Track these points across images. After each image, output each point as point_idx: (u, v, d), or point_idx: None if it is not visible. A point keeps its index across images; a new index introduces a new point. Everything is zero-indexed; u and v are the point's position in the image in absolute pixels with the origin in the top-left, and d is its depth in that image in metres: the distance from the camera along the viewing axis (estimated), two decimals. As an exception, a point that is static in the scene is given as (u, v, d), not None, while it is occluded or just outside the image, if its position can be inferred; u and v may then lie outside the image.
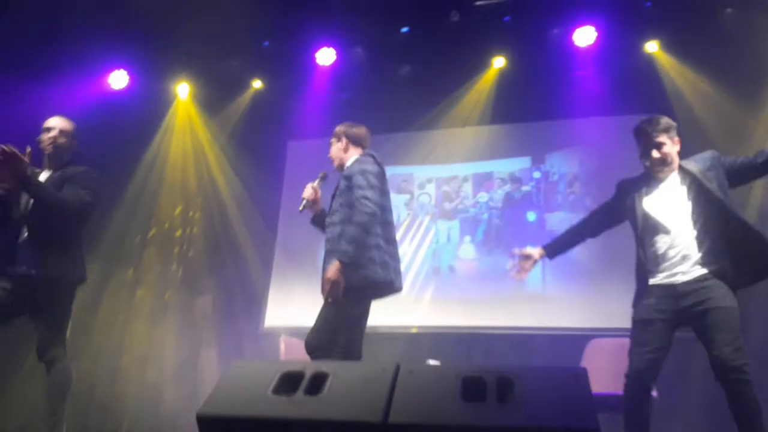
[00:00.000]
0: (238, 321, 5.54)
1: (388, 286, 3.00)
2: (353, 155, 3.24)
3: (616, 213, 3.08)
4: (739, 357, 2.57)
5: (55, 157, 3.25)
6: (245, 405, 1.78)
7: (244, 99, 6.03)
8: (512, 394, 1.80)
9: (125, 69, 5.76)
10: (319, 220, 3.33)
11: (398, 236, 5.56)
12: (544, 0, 5.19)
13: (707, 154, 2.91)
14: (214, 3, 4.85)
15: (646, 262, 2.87)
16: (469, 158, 5.73)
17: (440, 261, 5.53)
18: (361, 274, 2.91)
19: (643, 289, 2.87)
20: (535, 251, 3.19)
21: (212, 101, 6.06)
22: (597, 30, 5.20)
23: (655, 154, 2.87)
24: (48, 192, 3.08)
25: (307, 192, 3.30)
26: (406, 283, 5.46)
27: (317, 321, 2.93)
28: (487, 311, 5.16)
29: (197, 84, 5.99)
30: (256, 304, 5.60)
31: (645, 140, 2.90)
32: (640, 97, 5.26)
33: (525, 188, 5.55)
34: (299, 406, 1.76)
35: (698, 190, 2.80)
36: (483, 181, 5.68)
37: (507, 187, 5.58)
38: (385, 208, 3.08)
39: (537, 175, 5.54)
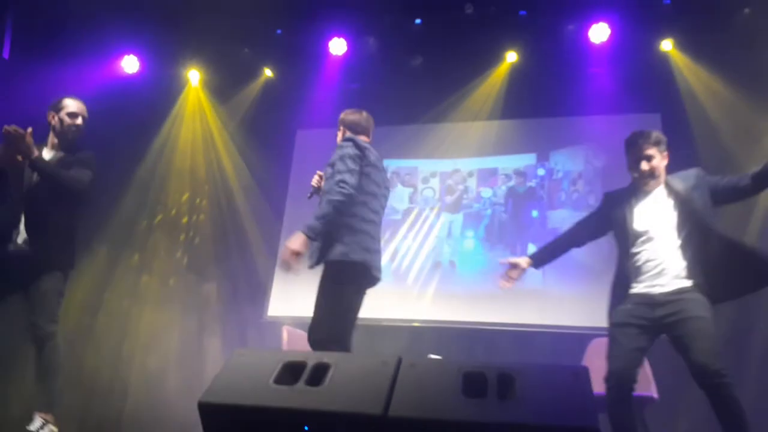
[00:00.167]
0: (242, 309, 5.56)
1: (367, 268, 2.96)
2: None
3: (602, 224, 3.13)
4: (718, 361, 2.61)
5: (69, 141, 3.27)
6: (246, 394, 1.79)
7: (255, 87, 6.02)
8: (513, 390, 1.80)
9: (137, 54, 5.77)
10: None
11: (402, 230, 5.65)
12: (560, -5, 5.16)
13: (692, 172, 2.96)
14: (227, -10, 4.85)
15: (629, 273, 2.93)
16: (474, 153, 5.71)
17: (441, 255, 5.52)
18: (339, 251, 2.90)
19: (619, 298, 2.93)
20: (522, 261, 3.23)
21: (223, 88, 6.06)
22: (611, 27, 5.16)
23: (644, 166, 2.92)
24: (58, 171, 3.11)
25: (315, 179, 3.35)
26: (410, 276, 5.48)
27: (315, 313, 2.93)
28: (489, 307, 5.15)
29: (208, 71, 5.99)
30: (260, 292, 5.61)
31: (635, 152, 2.95)
32: (652, 95, 5.24)
33: (529, 184, 5.53)
34: (300, 396, 1.77)
35: (683, 207, 2.85)
36: (488, 176, 5.67)
37: (511, 183, 5.56)
38: (366, 192, 3.04)
39: (541, 172, 5.52)
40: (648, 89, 5.23)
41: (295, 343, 4.19)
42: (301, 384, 1.81)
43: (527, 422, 1.70)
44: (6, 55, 5.39)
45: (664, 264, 2.84)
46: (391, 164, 5.87)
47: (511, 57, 5.56)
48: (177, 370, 5.18)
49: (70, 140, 3.28)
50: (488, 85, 5.66)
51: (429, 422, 1.71)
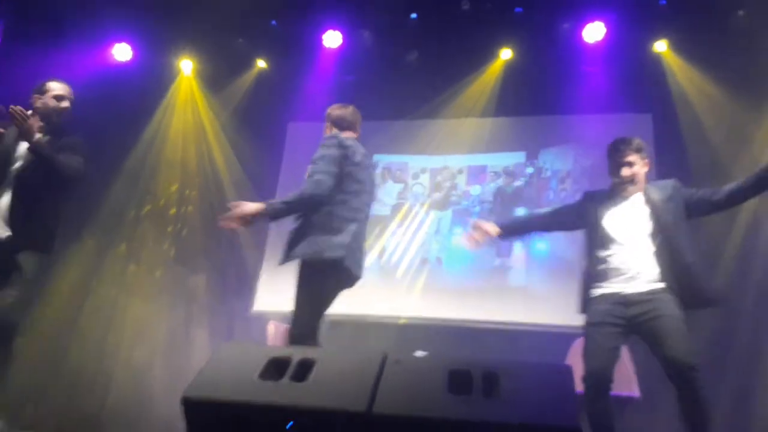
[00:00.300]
0: (229, 302, 5.53)
1: (342, 265, 2.94)
2: None
3: (574, 220, 3.20)
4: (693, 358, 2.68)
5: (55, 124, 3.22)
6: (231, 389, 1.78)
7: (248, 77, 5.98)
8: (498, 388, 1.82)
9: (129, 42, 5.71)
10: None
11: (391, 226, 5.65)
12: (557, -7, 5.15)
13: (669, 183, 3.04)
14: (222, -21, 4.81)
15: (597, 273, 2.99)
16: (464, 150, 5.70)
17: (429, 252, 5.53)
18: (312, 249, 2.90)
19: (590, 298, 2.99)
20: (491, 228, 3.26)
21: (216, 78, 6.01)
22: (607, 26, 5.17)
23: (626, 171, 2.99)
24: (55, 156, 3.07)
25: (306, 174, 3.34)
26: (397, 272, 5.48)
27: (294, 309, 2.94)
28: (475, 304, 5.16)
29: (201, 60, 5.94)
30: (248, 286, 5.59)
31: (617, 157, 3.02)
32: (644, 95, 5.25)
33: (517, 183, 5.54)
34: (285, 392, 1.78)
35: (659, 219, 2.93)
36: (477, 173, 5.67)
37: (500, 182, 5.57)
38: (347, 191, 3.03)
39: (530, 170, 5.53)
40: (640, 89, 5.24)
41: (281, 338, 4.18)
42: (285, 379, 1.81)
43: (511, 421, 1.71)
44: (-3, 40, 5.33)
45: (637, 268, 2.91)
46: (382, 159, 5.86)
47: (506, 54, 5.55)
48: (162, 363, 5.16)
49: (55, 123, 3.22)
50: (482, 81, 5.65)
51: (413, 419, 1.72)
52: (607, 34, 5.19)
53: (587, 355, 2.91)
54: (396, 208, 5.74)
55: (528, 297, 5.13)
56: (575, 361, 3.87)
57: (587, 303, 3.02)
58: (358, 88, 5.69)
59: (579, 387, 2.94)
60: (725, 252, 4.65)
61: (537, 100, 5.50)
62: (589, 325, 2.95)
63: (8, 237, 3.02)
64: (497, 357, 2.47)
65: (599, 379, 2.83)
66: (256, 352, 1.93)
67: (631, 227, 2.97)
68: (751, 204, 4.54)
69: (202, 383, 1.81)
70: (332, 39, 5.59)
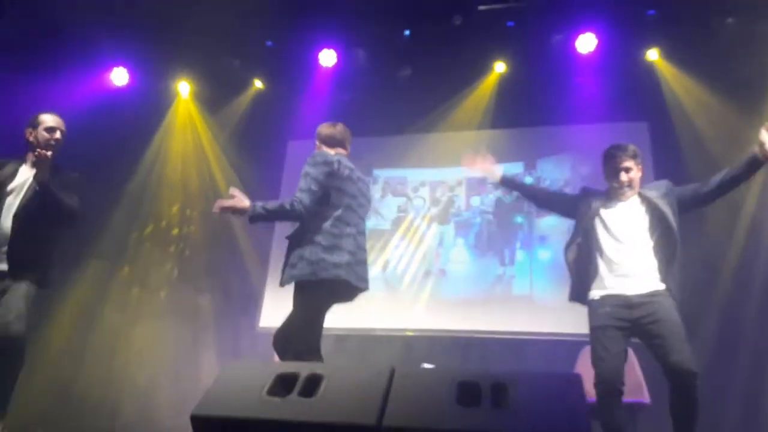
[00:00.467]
0: (235, 320, 5.53)
1: (339, 283, 2.96)
2: None
3: (567, 208, 3.35)
4: (694, 364, 2.76)
5: (51, 157, 3.20)
6: (239, 406, 1.78)
7: (246, 98, 6.03)
8: (507, 399, 1.80)
9: (126, 66, 5.76)
10: None
11: (393, 239, 5.66)
12: (548, 6, 5.19)
13: (662, 182, 3.18)
14: (217, 2, 4.85)
15: (596, 271, 3.07)
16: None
17: (432, 264, 5.54)
18: (307, 271, 2.92)
19: (592, 300, 3.05)
20: (496, 170, 3.48)
21: (213, 100, 6.05)
22: (598, 37, 5.21)
23: (623, 177, 3.10)
24: (63, 200, 3.09)
25: None
26: (402, 286, 5.48)
27: (293, 327, 2.97)
28: (481, 314, 5.17)
29: (198, 82, 5.99)
30: (253, 303, 5.59)
31: (614, 163, 3.13)
32: (638, 104, 5.29)
33: (516, 193, 5.55)
34: (293, 407, 1.77)
35: (654, 212, 3.04)
36: (476, 185, 5.70)
37: (499, 192, 5.60)
38: (338, 206, 3.05)
39: (528, 180, 5.56)
40: (635, 98, 5.28)
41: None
42: (294, 395, 1.80)
43: (521, 431, 1.70)
44: (-6, 66, 5.36)
45: (636, 266, 2.99)
46: (381, 174, 5.90)
47: (500, 67, 5.60)
48: (170, 383, 5.14)
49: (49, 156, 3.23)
50: (477, 95, 5.69)
51: (423, 432, 1.71)
52: (599, 44, 5.23)
53: (597, 360, 2.93)
54: (396, 222, 5.77)
55: (533, 306, 5.15)
56: (584, 369, 3.87)
57: (589, 305, 3.07)
58: (355, 105, 5.73)
59: (589, 395, 2.95)
60: (728, 257, 4.66)
61: (533, 111, 5.54)
62: (595, 330, 2.99)
63: (5, 271, 3.03)
64: (505, 367, 2.47)
65: (611, 383, 2.85)
66: (263, 369, 1.93)
67: (630, 226, 3.06)
68: (750, 209, 4.58)
69: (211, 401, 1.80)
70: (327, 58, 5.63)
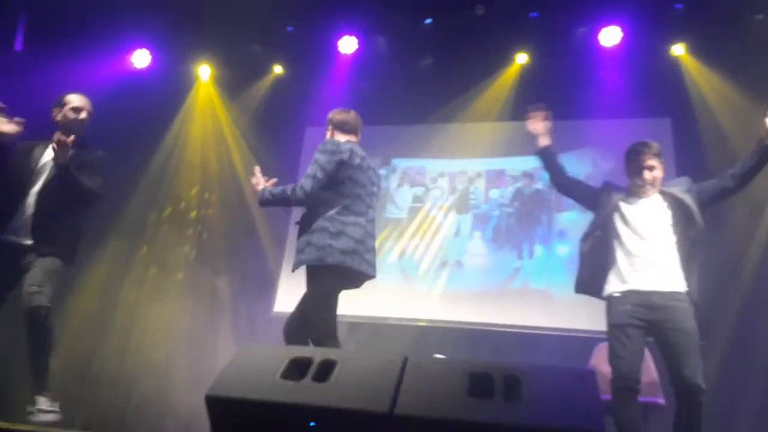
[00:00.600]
0: (251, 303, 5.57)
1: (345, 270, 2.98)
2: None
3: (591, 199, 3.32)
4: (702, 379, 2.79)
5: (78, 137, 3.23)
6: (253, 388, 1.80)
7: (265, 83, 6.03)
8: (519, 392, 1.80)
9: (148, 48, 5.79)
10: None
11: (409, 229, 5.65)
12: (572, -3, 5.14)
13: (683, 179, 3.20)
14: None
15: (613, 262, 3.08)
16: (482, 154, 5.71)
17: (449, 255, 5.52)
18: (314, 256, 2.96)
19: (611, 296, 3.05)
20: (546, 138, 3.47)
21: (233, 84, 6.07)
22: (623, 30, 5.14)
23: (647, 175, 3.11)
24: (81, 181, 3.13)
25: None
26: (417, 276, 5.48)
27: (306, 314, 3.02)
28: (495, 308, 5.16)
29: (219, 66, 6.00)
30: (269, 287, 5.63)
31: (638, 161, 3.13)
32: (662, 100, 5.22)
33: (536, 186, 5.52)
34: (306, 391, 1.78)
35: (679, 208, 3.04)
36: (495, 177, 5.66)
37: (519, 184, 5.57)
38: (347, 195, 3.07)
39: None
40: (658, 94, 5.20)
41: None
42: (307, 380, 1.82)
43: (533, 424, 1.70)
44: (19, 47, 5.42)
45: (657, 259, 2.98)
46: (400, 163, 5.89)
47: (521, 59, 5.54)
48: (185, 362, 5.20)
49: (77, 136, 3.25)
50: (498, 86, 5.64)
51: (435, 421, 1.72)
52: (623, 38, 5.15)
53: (614, 357, 2.93)
54: (412, 212, 5.75)
55: (549, 300, 5.11)
56: (598, 365, 3.86)
57: (607, 300, 3.07)
58: (374, 92, 5.72)
59: (602, 392, 2.93)
60: (747, 257, 4.60)
61: (554, 104, 5.40)
62: (614, 327, 2.98)
63: (30, 245, 3.09)
64: (519, 361, 2.46)
65: (628, 381, 2.86)
66: (278, 352, 1.94)
67: (652, 221, 3.06)
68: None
69: (225, 382, 1.82)
70: (348, 45, 5.62)
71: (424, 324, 5.23)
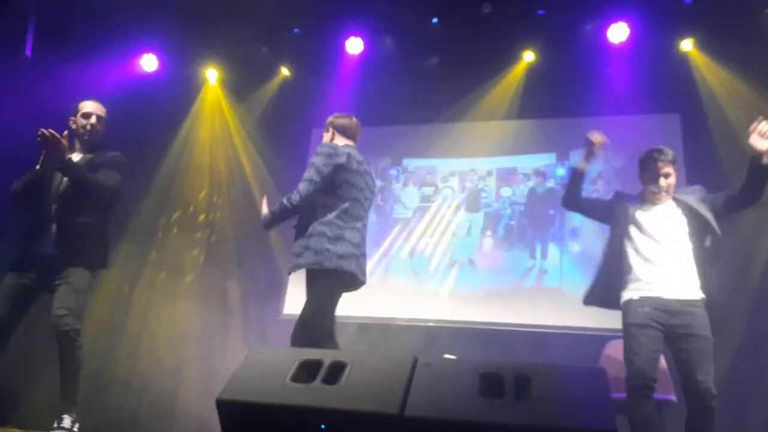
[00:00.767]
0: (261, 306, 5.58)
1: (342, 274, 2.98)
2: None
3: (606, 213, 3.30)
4: (714, 386, 2.80)
5: (89, 142, 3.31)
6: (264, 391, 1.80)
7: (272, 85, 6.05)
8: (530, 391, 1.79)
9: (156, 52, 5.82)
10: None
11: (418, 229, 5.65)
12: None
13: (696, 188, 3.20)
14: (245, -11, 4.87)
15: (633, 273, 3.07)
16: (493, 153, 5.70)
17: (460, 254, 5.52)
18: (312, 260, 2.96)
19: (630, 300, 3.04)
20: (588, 161, 3.31)
21: (241, 87, 6.09)
22: (630, 26, 5.12)
23: (662, 182, 3.12)
24: (86, 175, 3.14)
25: None
26: (427, 275, 5.47)
27: (301, 316, 3.01)
28: (506, 307, 5.14)
29: (226, 69, 6.03)
30: (278, 290, 5.64)
31: (654, 168, 3.14)
32: (671, 96, 5.19)
33: (548, 185, 5.50)
34: (317, 394, 1.78)
35: (693, 218, 3.04)
36: (507, 176, 5.65)
37: (531, 183, 5.55)
38: (346, 198, 3.07)
39: (561, 171, 5.49)
40: (667, 90, 5.17)
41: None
42: (317, 382, 1.82)
43: (544, 424, 1.69)
44: (28, 52, 5.46)
45: (673, 266, 2.99)
46: (410, 163, 5.89)
47: (529, 57, 5.53)
48: (196, 367, 5.22)
49: (88, 141, 3.30)
50: (505, 84, 5.63)
51: (445, 422, 1.71)
52: (631, 34, 5.13)
53: (631, 354, 2.92)
54: (422, 211, 5.75)
55: (562, 299, 5.08)
56: (609, 363, 3.84)
57: (624, 305, 3.06)
58: (381, 93, 5.73)
59: (614, 390, 2.91)
60: (760, 253, 4.56)
61: (563, 102, 5.45)
62: (633, 326, 2.97)
63: (56, 255, 3.11)
64: (529, 361, 2.45)
65: (644, 379, 2.85)
66: (287, 355, 1.94)
67: (667, 228, 3.06)
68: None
69: (236, 386, 1.83)
70: (354, 45, 5.62)
71: (432, 324, 5.23)
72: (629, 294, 3.06)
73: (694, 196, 3.13)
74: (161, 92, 5.73)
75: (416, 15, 5.50)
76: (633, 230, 3.11)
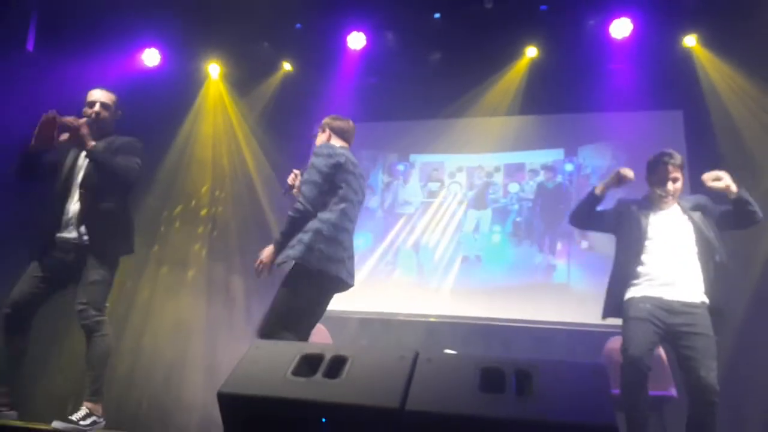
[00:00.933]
0: (263, 301, 5.56)
1: (326, 277, 2.96)
2: None
3: (614, 223, 3.30)
4: (717, 383, 2.82)
5: (98, 130, 3.30)
6: (265, 385, 1.80)
7: (274, 81, 6.05)
8: (530, 386, 1.79)
9: (157, 47, 5.81)
10: None
11: (421, 224, 5.65)
12: (582, -11, 5.10)
13: (701, 199, 3.22)
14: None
15: (637, 275, 3.09)
16: (501, 148, 5.69)
17: (468, 250, 5.51)
18: (301, 255, 2.91)
19: (632, 297, 3.07)
20: (609, 187, 3.28)
21: (243, 82, 6.09)
22: (634, 22, 5.10)
23: (670, 187, 3.16)
24: (109, 159, 3.17)
25: (290, 177, 3.39)
26: (434, 271, 5.47)
27: (271, 306, 2.97)
28: (513, 303, 5.15)
29: (228, 64, 6.03)
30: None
31: (663, 172, 3.17)
32: (674, 92, 5.18)
33: (558, 180, 5.49)
34: (318, 388, 1.78)
35: (696, 227, 3.10)
36: (515, 171, 5.64)
37: (540, 178, 5.54)
38: (346, 199, 3.05)
39: (569, 167, 5.48)
40: (670, 85, 5.16)
41: (313, 336, 4.21)
42: (318, 376, 1.82)
43: (545, 419, 1.69)
44: (30, 47, 5.46)
45: (678, 274, 3.02)
46: (417, 159, 5.90)
47: (531, 52, 5.52)
48: (197, 361, 5.23)
49: (97, 129, 3.30)
50: (508, 80, 5.62)
51: (446, 416, 1.71)
52: (634, 29, 5.12)
53: (628, 343, 2.95)
54: (425, 207, 5.74)
55: (568, 295, 5.09)
56: (610, 359, 3.86)
57: (627, 302, 3.08)
58: (383, 88, 5.72)
59: (615, 386, 2.94)
60: (760, 248, 4.55)
61: (566, 97, 5.45)
62: (632, 319, 3.00)
63: (82, 241, 3.14)
64: (531, 356, 2.47)
65: (638, 365, 2.86)
66: (289, 349, 1.95)
67: (674, 233, 3.09)
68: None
69: (237, 380, 1.83)
70: (356, 40, 5.61)
71: (433, 320, 5.23)
72: (632, 292, 3.09)
73: (698, 207, 3.16)
74: (163, 87, 5.72)
75: (418, 10, 5.49)
76: (641, 234, 3.13)
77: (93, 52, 5.29)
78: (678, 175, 3.16)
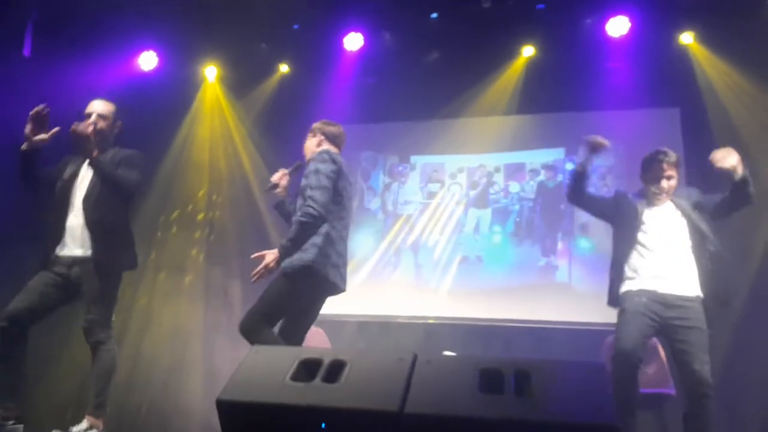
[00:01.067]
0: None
1: (325, 280, 2.97)
2: None
3: (613, 212, 3.33)
4: (710, 376, 2.86)
5: (99, 142, 3.26)
6: (264, 391, 1.79)
7: (272, 82, 6.04)
8: (530, 387, 1.79)
9: (155, 50, 5.80)
10: (280, 207, 3.40)
11: (428, 225, 5.64)
12: (579, -12, 5.10)
13: (693, 192, 3.24)
14: (243, -14, 4.86)
15: (633, 269, 3.12)
16: (500, 148, 5.69)
17: (469, 251, 5.51)
18: (306, 258, 2.91)
19: (628, 290, 3.10)
20: (592, 156, 3.32)
21: (240, 84, 6.07)
22: (631, 20, 5.10)
23: (665, 184, 3.19)
24: (112, 170, 3.16)
25: (275, 175, 3.38)
26: (433, 272, 5.46)
27: (256, 303, 2.99)
28: (513, 303, 5.14)
29: (225, 66, 6.01)
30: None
31: (658, 170, 3.20)
32: (671, 90, 5.18)
33: (559, 179, 5.49)
34: (317, 393, 1.78)
35: (689, 221, 3.15)
36: (515, 171, 5.65)
37: (540, 177, 5.53)
38: (344, 206, 3.07)
39: (570, 166, 5.47)
40: (667, 83, 5.17)
41: (310, 341, 4.21)
42: (317, 381, 1.82)
43: (545, 419, 1.69)
44: (27, 51, 5.45)
45: (672, 268, 3.05)
46: (418, 160, 5.90)
47: (528, 51, 5.51)
48: (196, 366, 5.22)
49: (96, 141, 3.26)
50: (505, 79, 5.62)
51: (446, 419, 1.71)
52: (631, 28, 5.11)
53: (621, 335, 2.98)
54: (426, 208, 5.74)
55: (568, 294, 5.09)
56: (609, 358, 3.84)
57: (623, 295, 3.12)
58: (381, 89, 5.71)
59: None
60: (756, 243, 4.55)
61: (563, 96, 5.44)
62: (628, 312, 3.03)
63: (84, 257, 3.11)
64: (531, 356, 2.46)
65: (630, 356, 2.89)
66: (287, 354, 1.94)
67: (668, 228, 3.12)
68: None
69: (236, 386, 1.82)
70: (353, 41, 5.60)
71: (432, 321, 5.23)
72: (628, 285, 3.12)
73: (690, 201, 3.19)
74: (160, 90, 5.71)
75: (415, 10, 5.48)
76: (637, 224, 3.16)
77: (90, 56, 5.28)
78: (673, 172, 3.18)
